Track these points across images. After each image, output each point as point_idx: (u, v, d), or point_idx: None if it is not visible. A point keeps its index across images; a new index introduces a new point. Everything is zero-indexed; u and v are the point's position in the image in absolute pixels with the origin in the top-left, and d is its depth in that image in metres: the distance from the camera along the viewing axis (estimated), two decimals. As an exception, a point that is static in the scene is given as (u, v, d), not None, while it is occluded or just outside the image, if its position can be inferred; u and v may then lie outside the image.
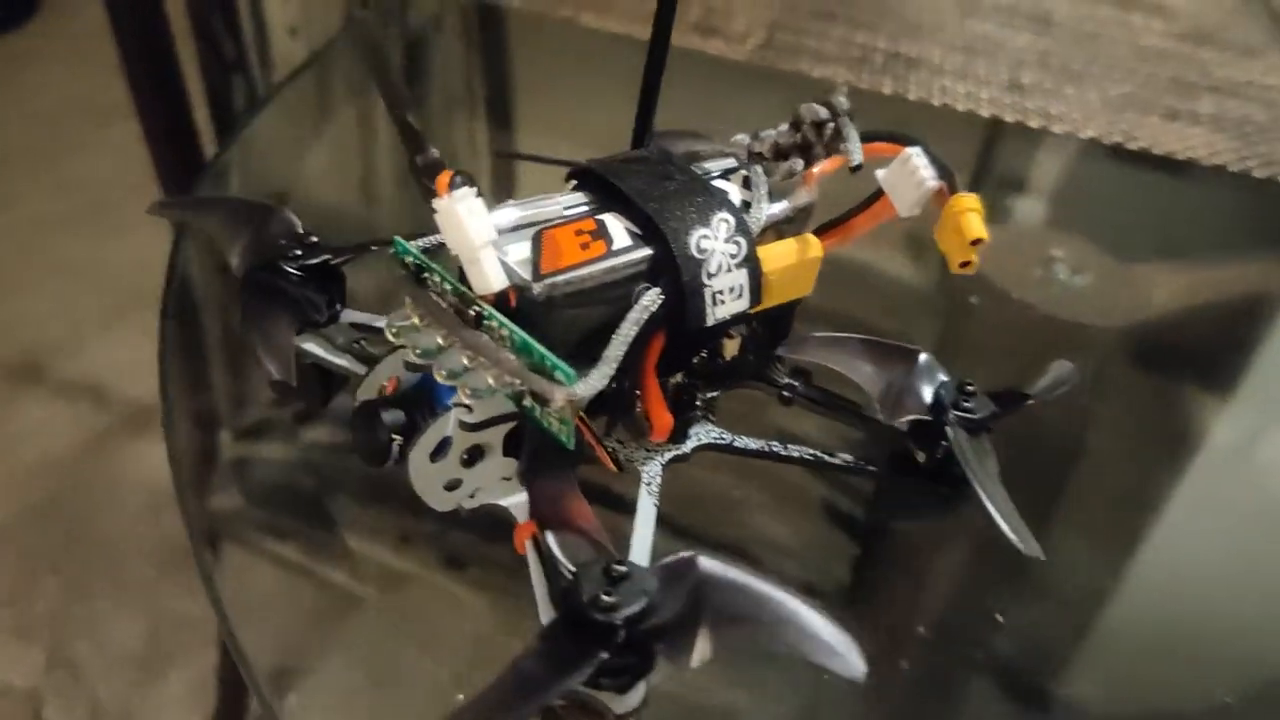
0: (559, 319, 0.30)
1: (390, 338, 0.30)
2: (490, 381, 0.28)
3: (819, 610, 0.26)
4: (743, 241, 0.32)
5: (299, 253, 0.35)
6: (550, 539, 0.27)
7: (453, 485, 0.31)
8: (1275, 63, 0.80)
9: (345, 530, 0.39)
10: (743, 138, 0.35)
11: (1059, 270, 0.55)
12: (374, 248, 0.36)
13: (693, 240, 0.31)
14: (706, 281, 0.31)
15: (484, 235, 0.28)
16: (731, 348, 0.36)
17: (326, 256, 0.35)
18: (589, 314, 0.30)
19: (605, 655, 0.25)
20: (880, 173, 0.35)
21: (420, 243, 0.31)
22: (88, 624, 0.88)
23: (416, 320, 0.30)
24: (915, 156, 0.34)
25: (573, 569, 0.26)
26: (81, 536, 0.95)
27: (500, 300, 0.29)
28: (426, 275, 0.30)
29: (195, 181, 0.65)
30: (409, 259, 0.31)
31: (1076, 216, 0.62)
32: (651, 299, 0.30)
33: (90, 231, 1.25)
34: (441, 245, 0.31)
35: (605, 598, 0.25)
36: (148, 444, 1.01)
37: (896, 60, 0.71)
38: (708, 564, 0.26)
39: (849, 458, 0.36)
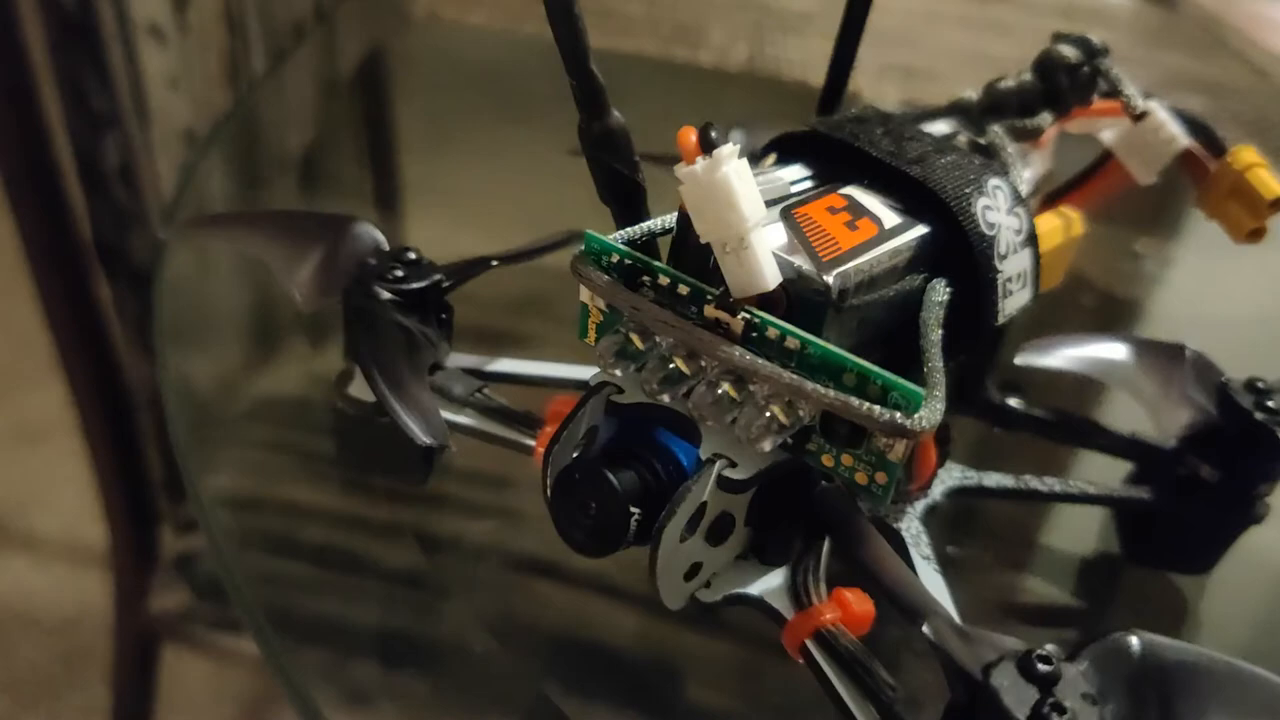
0: (845, 323, 0.21)
1: (604, 369, 0.21)
2: (780, 417, 0.20)
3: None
4: (1023, 215, 0.24)
5: (400, 273, 0.25)
6: (930, 630, 0.19)
7: (688, 572, 0.22)
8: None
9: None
10: (970, 93, 0.28)
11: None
12: (494, 262, 0.27)
13: (978, 211, 0.23)
14: (999, 266, 0.23)
15: (758, 211, 0.20)
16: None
17: (438, 277, 0.26)
18: (872, 317, 0.22)
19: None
20: (1107, 134, 0.29)
21: (615, 237, 0.22)
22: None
23: (638, 341, 0.21)
24: (1158, 111, 0.28)
25: (976, 674, 0.18)
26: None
27: (765, 302, 0.21)
28: (646, 280, 0.22)
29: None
30: (613, 256, 0.22)
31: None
32: (942, 293, 0.22)
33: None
34: (641, 241, 0.23)
35: (1055, 716, 0.17)
36: None
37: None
38: (1149, 641, 0.19)
39: (1117, 487, 0.29)
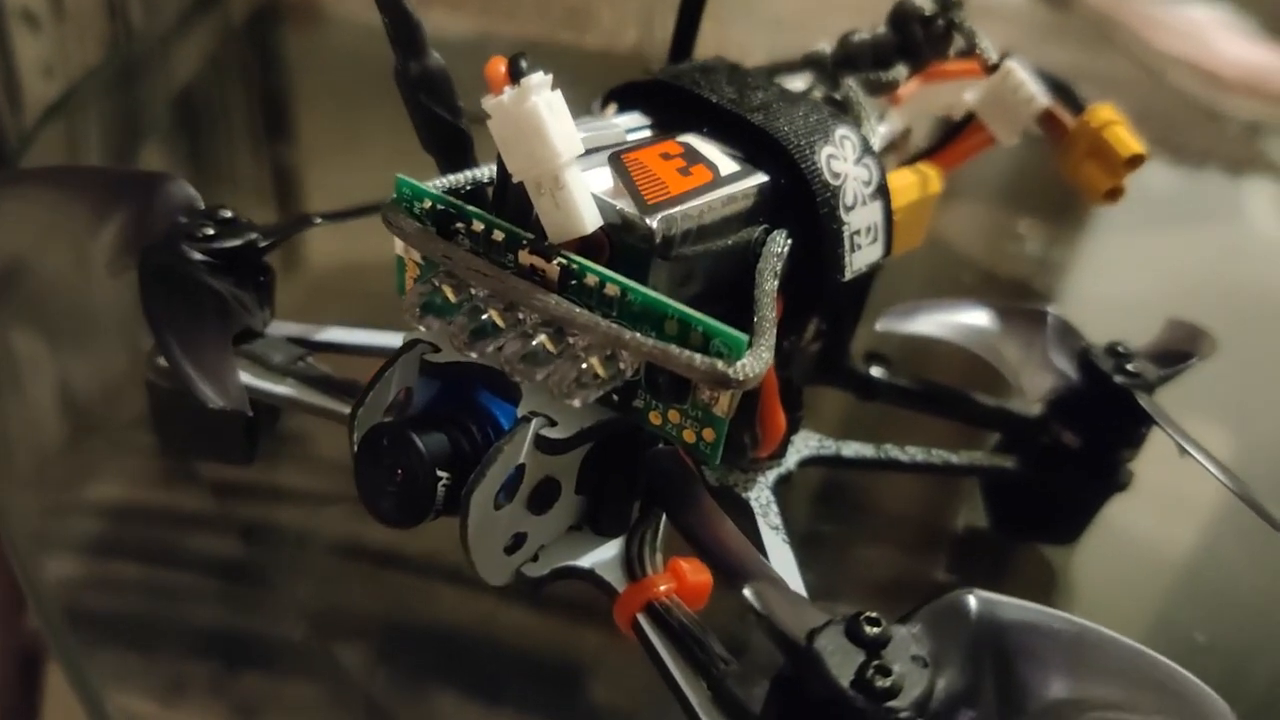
0: (672, 273, 0.20)
1: (410, 323, 0.20)
2: (598, 369, 0.18)
3: (1155, 654, 0.17)
4: (872, 165, 0.23)
5: (211, 231, 0.23)
6: (751, 595, 0.17)
7: (511, 545, 0.21)
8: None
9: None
10: (824, 46, 0.27)
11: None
12: (317, 220, 0.25)
13: (822, 159, 0.22)
14: (844, 218, 0.22)
15: (572, 145, 0.18)
16: (809, 328, 0.27)
17: (253, 236, 0.24)
18: (702, 267, 0.21)
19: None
20: (969, 95, 0.28)
21: (432, 185, 0.21)
22: None
23: (449, 293, 0.20)
24: (1018, 70, 0.27)
25: (800, 639, 0.17)
26: None
27: (584, 249, 0.19)
28: (459, 226, 0.20)
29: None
30: (427, 202, 0.20)
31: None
32: (780, 243, 0.21)
33: None
34: (464, 190, 0.21)
35: (878, 678, 0.16)
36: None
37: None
38: (987, 601, 0.17)
39: (980, 456, 0.28)
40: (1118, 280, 0.52)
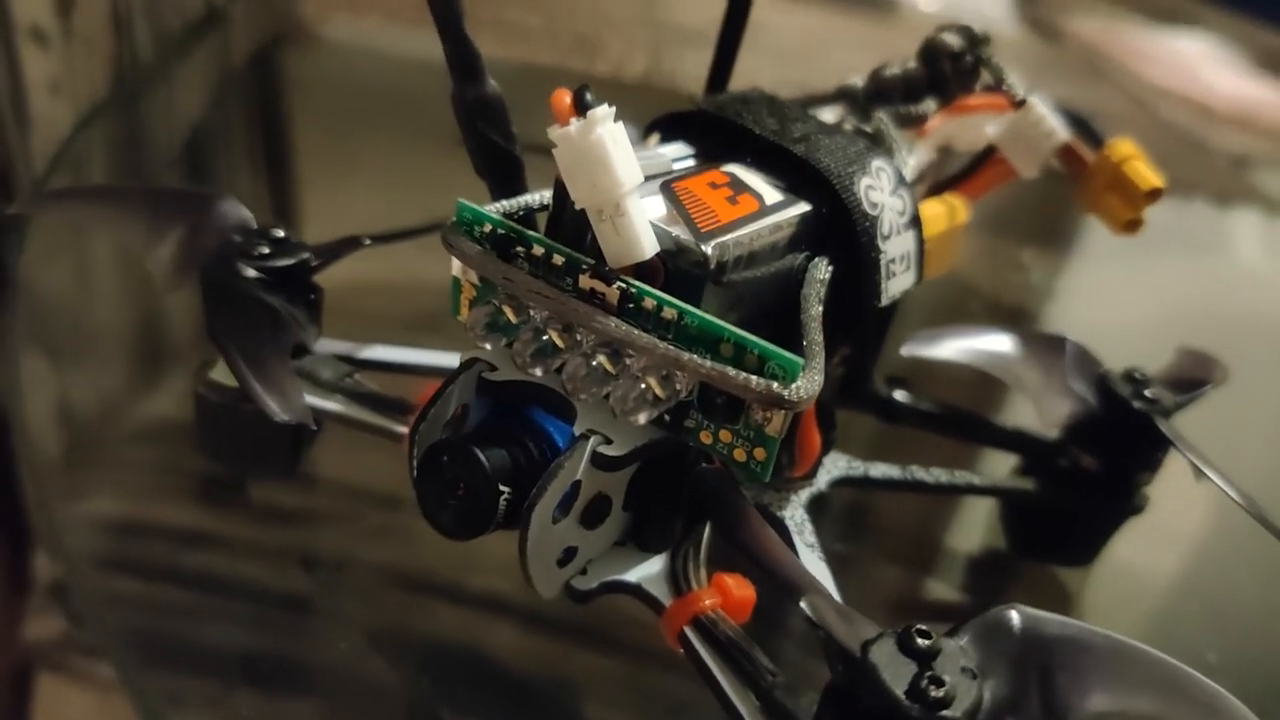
0: (723, 298, 0.21)
1: (474, 341, 0.20)
2: (656, 389, 0.19)
3: (1189, 669, 0.18)
4: (906, 196, 0.24)
5: (265, 250, 0.24)
6: (808, 607, 0.18)
7: (563, 558, 0.21)
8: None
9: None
10: (856, 79, 0.28)
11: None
12: (367, 241, 0.26)
13: (861, 190, 0.23)
14: (882, 246, 0.23)
15: (634, 176, 0.19)
16: (837, 353, 0.28)
17: (305, 255, 0.25)
18: (752, 292, 0.22)
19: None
20: (991, 128, 0.29)
21: (490, 208, 0.21)
22: None
23: (510, 313, 0.20)
24: (1039, 105, 0.28)
25: (854, 650, 0.17)
26: None
27: (643, 273, 0.20)
28: (518, 250, 0.21)
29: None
30: (487, 226, 0.21)
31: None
32: (823, 270, 0.22)
33: None
34: (518, 215, 0.22)
35: (932, 688, 0.16)
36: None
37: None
38: (1029, 616, 0.18)
39: (1002, 479, 0.29)
40: (1111, 308, 0.53)
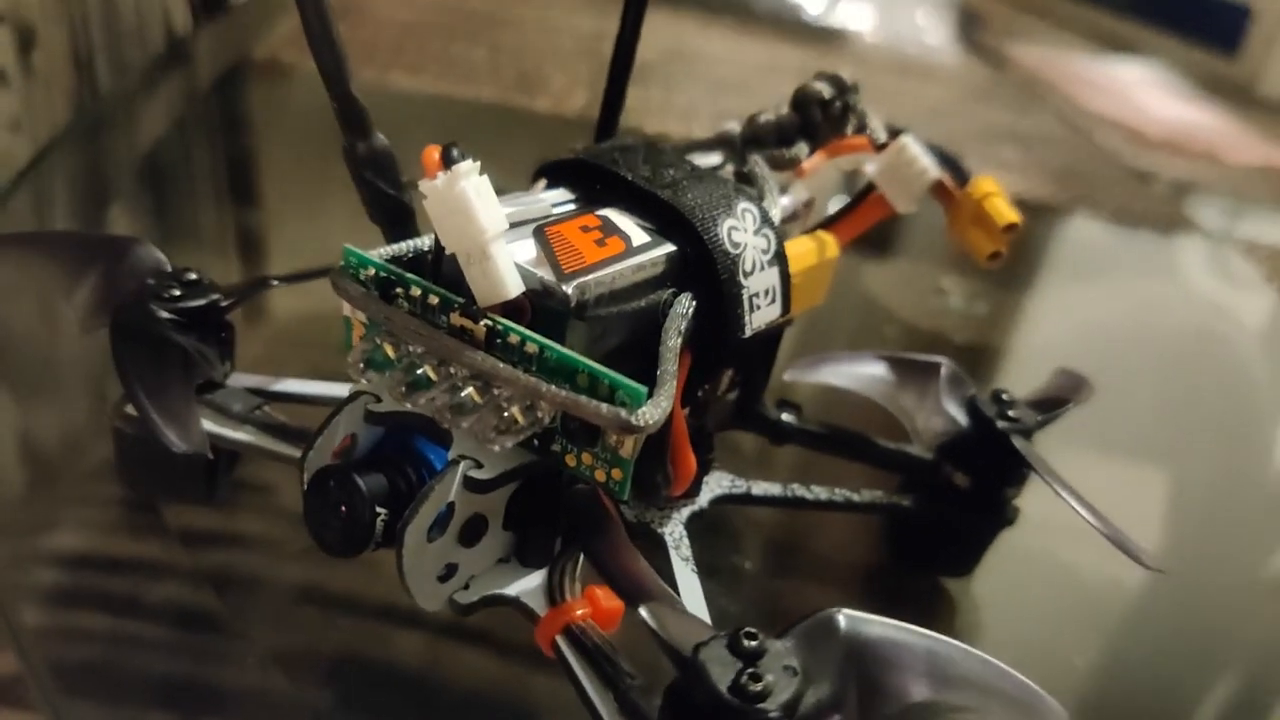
0: (588, 332, 0.23)
1: (355, 377, 0.22)
2: (518, 417, 0.21)
3: (1007, 668, 0.20)
4: (770, 235, 0.26)
5: (177, 292, 0.26)
6: (647, 614, 0.20)
7: (444, 574, 0.23)
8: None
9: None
10: (733, 124, 0.30)
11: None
12: (274, 282, 0.28)
13: (723, 231, 0.25)
14: (744, 282, 0.25)
15: (497, 223, 0.21)
16: (724, 379, 0.30)
17: (215, 297, 0.26)
18: (617, 327, 0.23)
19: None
20: (870, 167, 0.31)
21: (376, 254, 0.23)
22: None
23: (389, 350, 0.22)
24: (911, 145, 0.30)
25: (687, 652, 0.19)
26: None
27: (509, 311, 0.22)
28: (399, 291, 0.23)
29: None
30: (371, 269, 0.23)
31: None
32: (685, 305, 0.24)
33: None
34: (406, 258, 0.24)
35: (751, 684, 0.18)
36: None
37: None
38: (853, 619, 0.20)
39: (880, 495, 0.31)
40: (1040, 332, 0.55)
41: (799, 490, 0.29)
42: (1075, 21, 1.14)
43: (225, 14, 0.75)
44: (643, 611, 0.20)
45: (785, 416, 0.31)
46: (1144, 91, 0.99)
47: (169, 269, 0.27)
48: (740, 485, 0.29)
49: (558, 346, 0.21)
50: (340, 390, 0.28)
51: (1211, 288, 0.67)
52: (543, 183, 0.27)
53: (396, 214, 0.25)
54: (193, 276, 0.27)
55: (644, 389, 0.21)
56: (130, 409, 0.26)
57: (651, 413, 0.20)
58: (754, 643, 0.19)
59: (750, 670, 0.19)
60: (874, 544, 0.34)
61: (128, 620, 0.28)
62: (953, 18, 1.08)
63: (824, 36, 0.95)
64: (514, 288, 0.21)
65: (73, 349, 0.33)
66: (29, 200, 0.49)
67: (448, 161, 0.21)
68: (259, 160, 0.62)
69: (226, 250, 0.52)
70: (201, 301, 0.26)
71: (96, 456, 0.32)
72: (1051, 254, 0.65)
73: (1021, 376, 0.31)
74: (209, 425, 0.26)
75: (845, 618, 0.20)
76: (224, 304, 0.27)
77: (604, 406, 0.20)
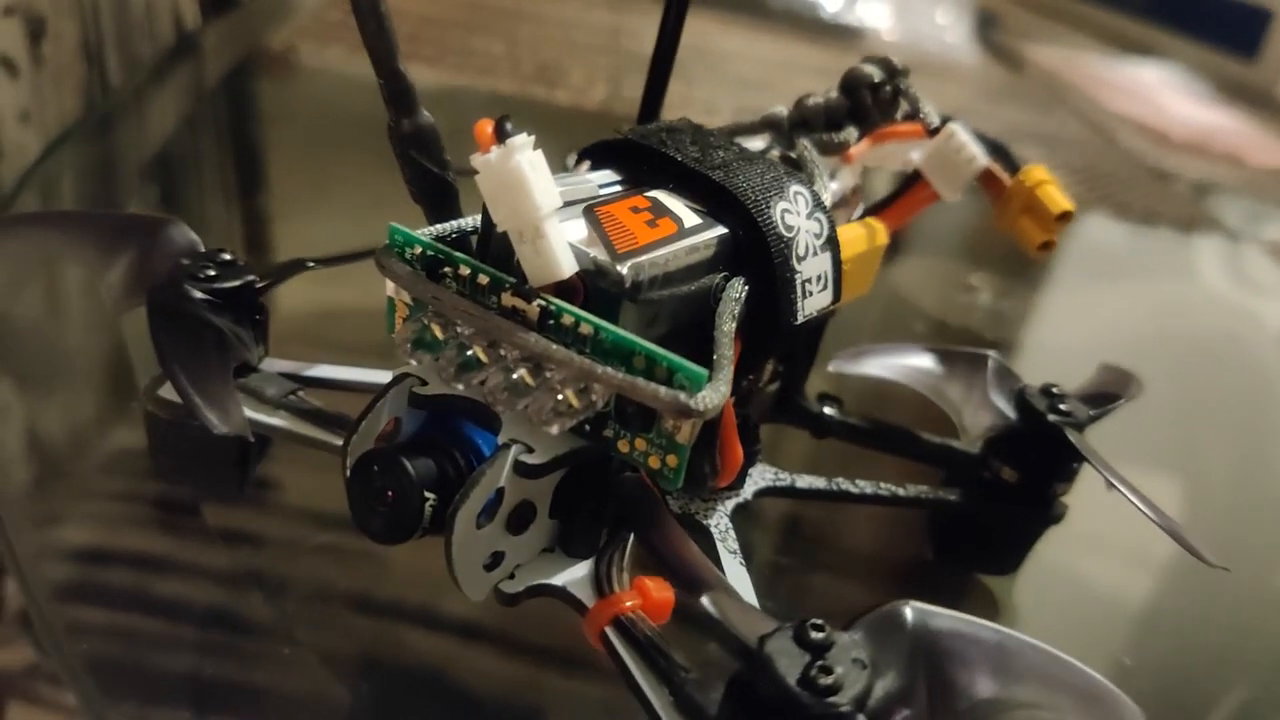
0: (640, 315, 0.22)
1: (402, 357, 0.22)
2: (573, 401, 0.20)
3: (1080, 662, 0.19)
4: (823, 220, 0.25)
5: (212, 272, 0.25)
6: (709, 603, 0.19)
7: (490, 563, 0.22)
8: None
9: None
10: (780, 109, 0.29)
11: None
12: (311, 264, 0.27)
13: (776, 213, 0.24)
14: (797, 267, 0.24)
15: (552, 199, 0.20)
16: (766, 370, 0.30)
17: (251, 278, 0.26)
18: (668, 311, 0.23)
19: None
20: (916, 154, 0.30)
21: (423, 232, 0.23)
22: None
23: (437, 330, 0.22)
24: (960, 132, 0.29)
25: (752, 643, 0.18)
26: None
27: (562, 292, 0.21)
28: (446, 271, 0.22)
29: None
30: (418, 248, 0.22)
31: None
32: (739, 289, 0.23)
33: None
34: (450, 238, 0.23)
35: (821, 676, 0.18)
36: None
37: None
38: (920, 611, 0.19)
39: (925, 490, 0.30)
40: (1066, 330, 0.54)
41: (844, 484, 0.29)
42: (1092, 24, 1.13)
43: (235, 8, 0.74)
44: (705, 600, 0.19)
45: (827, 410, 0.31)
46: (1165, 93, 0.98)
47: (203, 249, 0.26)
48: (784, 478, 0.28)
49: (614, 328, 0.21)
50: (377, 376, 0.28)
51: (1233, 288, 0.67)
52: (586, 164, 0.26)
53: (440, 193, 0.24)
54: (227, 257, 0.26)
55: (705, 372, 0.20)
56: (163, 393, 0.26)
57: (711, 397, 0.20)
58: (821, 634, 0.18)
59: (819, 663, 0.18)
60: (912, 540, 0.33)
61: (170, 620, 0.27)
62: (970, 18, 1.08)
63: (842, 34, 0.95)
64: (568, 267, 0.21)
65: (99, 334, 0.32)
66: (37, 194, 0.49)
67: (501, 135, 0.20)
68: (268, 154, 0.61)
69: (235, 244, 0.51)
70: (236, 282, 0.25)
71: (119, 445, 0.31)
72: (1076, 253, 0.64)
73: (1049, 373, 0.30)
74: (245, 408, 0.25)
75: (913, 610, 0.19)
76: (259, 285, 0.26)
77: (663, 390, 0.20)
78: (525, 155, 0.20)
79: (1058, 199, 0.28)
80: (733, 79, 0.72)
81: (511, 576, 0.23)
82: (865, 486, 0.29)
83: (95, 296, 0.25)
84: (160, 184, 0.55)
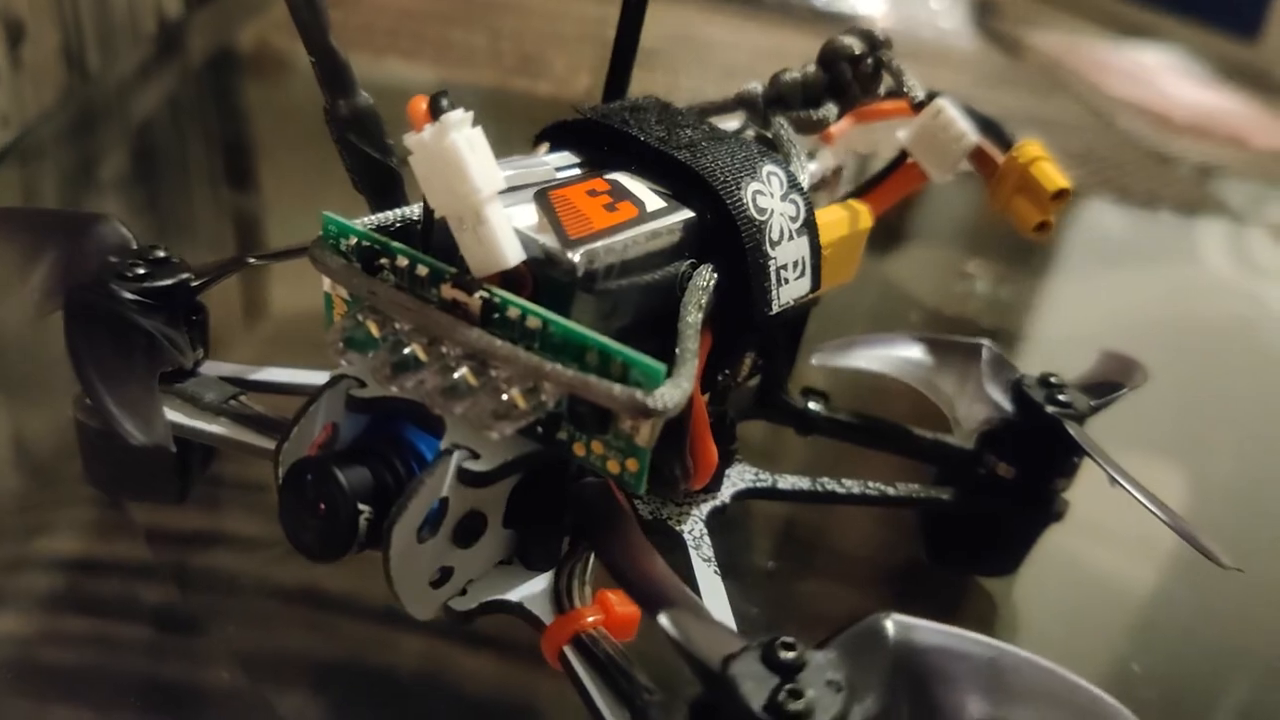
0: (596, 306, 0.20)
1: (334, 358, 0.20)
2: (519, 401, 0.18)
3: (1073, 676, 0.18)
4: (799, 201, 0.24)
5: (141, 271, 0.24)
6: (667, 622, 0.17)
7: (438, 579, 0.21)
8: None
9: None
10: (755, 85, 0.27)
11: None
12: (251, 260, 0.25)
13: (748, 195, 0.22)
14: (770, 252, 0.23)
15: (493, 181, 0.18)
16: (746, 363, 0.28)
17: (185, 276, 0.24)
18: (628, 302, 0.21)
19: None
20: (902, 133, 0.29)
21: (359, 222, 0.21)
22: None
23: (373, 328, 0.20)
24: (948, 108, 0.28)
25: (715, 665, 0.17)
26: None
27: (508, 283, 0.20)
28: (384, 262, 0.20)
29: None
30: (353, 239, 0.20)
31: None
32: (705, 277, 0.21)
33: None
34: (393, 228, 0.21)
35: (790, 701, 0.16)
36: None
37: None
38: (903, 625, 0.18)
39: (917, 489, 0.28)
40: (1066, 318, 0.53)
41: (829, 484, 0.27)
42: (1091, 8, 1.11)
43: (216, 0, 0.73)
44: (662, 620, 0.17)
45: (811, 405, 0.29)
46: (1166, 77, 0.96)
47: (134, 246, 0.25)
48: (765, 478, 0.26)
49: (563, 320, 0.19)
50: (321, 377, 0.26)
51: (1237, 272, 0.65)
52: (545, 147, 0.24)
53: (382, 180, 0.22)
54: (160, 254, 0.24)
55: (662, 367, 0.18)
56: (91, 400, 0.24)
57: (671, 394, 0.18)
58: (792, 654, 0.17)
59: (789, 686, 0.16)
60: (904, 542, 0.31)
61: (106, 623, 0.26)
62: (966, 4, 1.06)
63: (834, 21, 0.93)
64: (513, 255, 0.19)
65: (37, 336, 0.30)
66: (14, 185, 0.47)
67: (435, 111, 0.18)
68: (250, 146, 0.60)
69: (219, 238, 0.49)
70: (169, 281, 0.24)
71: (63, 453, 0.29)
72: (1077, 238, 0.62)
73: (1050, 363, 0.28)
74: (177, 416, 0.23)
75: (894, 624, 0.18)
76: (195, 284, 0.24)
77: (617, 387, 0.18)
78: (462, 133, 0.18)
79: (1053, 176, 0.26)
80: (720, 67, 0.70)
81: (464, 592, 0.21)
82: (853, 486, 0.27)
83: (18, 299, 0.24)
84: (141, 178, 0.53)
